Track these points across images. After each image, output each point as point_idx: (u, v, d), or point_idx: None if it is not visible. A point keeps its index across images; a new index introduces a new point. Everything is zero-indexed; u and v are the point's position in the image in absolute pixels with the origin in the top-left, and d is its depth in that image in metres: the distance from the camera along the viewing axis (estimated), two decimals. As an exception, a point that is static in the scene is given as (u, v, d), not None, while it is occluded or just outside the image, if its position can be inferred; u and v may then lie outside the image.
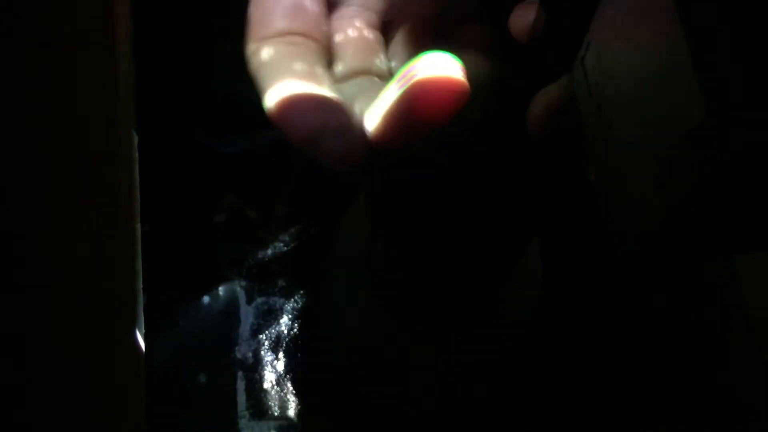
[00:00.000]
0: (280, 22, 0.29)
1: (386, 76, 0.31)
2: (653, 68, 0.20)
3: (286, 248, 0.52)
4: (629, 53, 0.22)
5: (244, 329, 0.50)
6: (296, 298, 0.52)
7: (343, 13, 0.32)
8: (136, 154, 0.30)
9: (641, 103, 0.21)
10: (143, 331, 0.34)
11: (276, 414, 0.49)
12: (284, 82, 0.27)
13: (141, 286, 0.34)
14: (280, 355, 0.50)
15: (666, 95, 0.20)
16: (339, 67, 0.31)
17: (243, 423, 0.48)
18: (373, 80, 0.30)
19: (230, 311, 0.51)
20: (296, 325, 0.51)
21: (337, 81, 0.30)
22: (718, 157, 0.18)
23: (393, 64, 0.32)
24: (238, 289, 0.51)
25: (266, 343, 0.50)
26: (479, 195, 0.33)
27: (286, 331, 0.51)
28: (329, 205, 0.51)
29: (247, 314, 0.51)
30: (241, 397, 0.49)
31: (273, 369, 0.50)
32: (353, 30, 0.31)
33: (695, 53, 0.18)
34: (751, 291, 0.39)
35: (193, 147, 0.53)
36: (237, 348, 0.50)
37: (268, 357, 0.50)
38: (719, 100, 0.17)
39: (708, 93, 0.17)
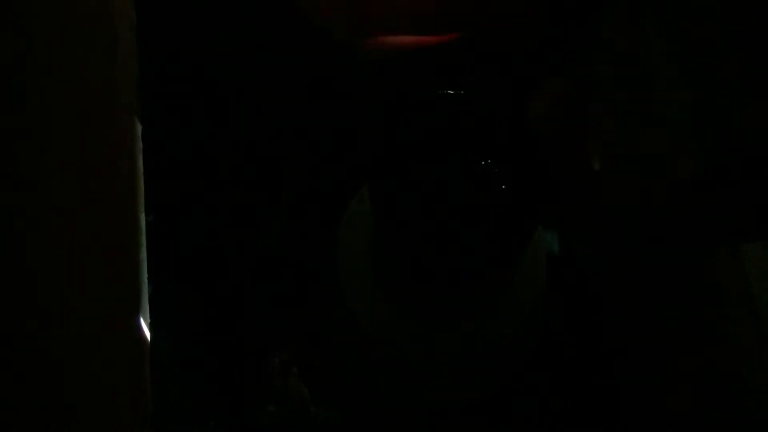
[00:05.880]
0: None
1: None
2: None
3: (291, 239, 0.52)
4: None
5: (253, 318, 0.51)
6: (303, 289, 0.52)
7: None
8: (140, 144, 0.30)
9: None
10: (148, 320, 0.34)
11: (283, 402, 0.49)
12: None
13: (146, 275, 0.34)
14: (288, 344, 0.50)
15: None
16: None
17: (250, 411, 0.49)
18: None
19: (238, 301, 0.51)
20: (303, 314, 0.51)
21: None
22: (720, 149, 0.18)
23: None
24: (245, 279, 0.51)
25: (274, 332, 0.50)
26: (482, 190, 0.33)
27: (293, 321, 0.51)
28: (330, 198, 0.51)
29: (254, 304, 0.51)
30: (249, 386, 0.49)
31: (281, 358, 0.50)
32: None
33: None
34: (757, 282, 0.39)
35: (197, 137, 0.53)
36: (245, 337, 0.50)
37: (276, 346, 0.50)
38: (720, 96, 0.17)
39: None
